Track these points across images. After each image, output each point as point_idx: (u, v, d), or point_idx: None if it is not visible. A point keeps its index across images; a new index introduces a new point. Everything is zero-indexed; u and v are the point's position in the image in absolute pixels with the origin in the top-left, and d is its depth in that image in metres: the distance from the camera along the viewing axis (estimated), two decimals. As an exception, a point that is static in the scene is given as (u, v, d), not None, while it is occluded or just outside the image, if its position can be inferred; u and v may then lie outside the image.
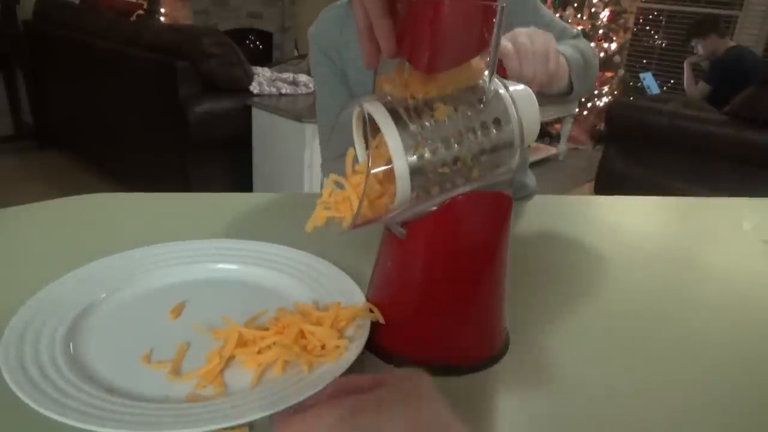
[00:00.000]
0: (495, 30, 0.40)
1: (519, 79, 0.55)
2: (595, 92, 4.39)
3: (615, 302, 0.61)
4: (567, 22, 1.07)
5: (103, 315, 0.51)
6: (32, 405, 0.38)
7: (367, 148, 0.46)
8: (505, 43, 0.62)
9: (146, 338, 0.48)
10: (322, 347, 0.46)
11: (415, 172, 0.40)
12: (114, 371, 0.44)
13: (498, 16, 0.40)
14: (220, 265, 0.60)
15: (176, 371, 0.44)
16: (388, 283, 0.51)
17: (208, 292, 0.56)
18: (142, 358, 0.45)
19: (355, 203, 0.41)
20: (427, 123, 0.41)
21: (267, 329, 0.47)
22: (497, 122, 0.43)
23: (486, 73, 0.43)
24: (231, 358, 0.45)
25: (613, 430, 0.44)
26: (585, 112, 4.45)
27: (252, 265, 0.60)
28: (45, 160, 3.29)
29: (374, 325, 0.49)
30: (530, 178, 1.04)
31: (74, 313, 0.50)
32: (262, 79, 2.55)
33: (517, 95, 0.45)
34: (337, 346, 0.45)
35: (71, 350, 0.46)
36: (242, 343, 0.46)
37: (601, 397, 0.47)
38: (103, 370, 0.44)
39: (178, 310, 0.52)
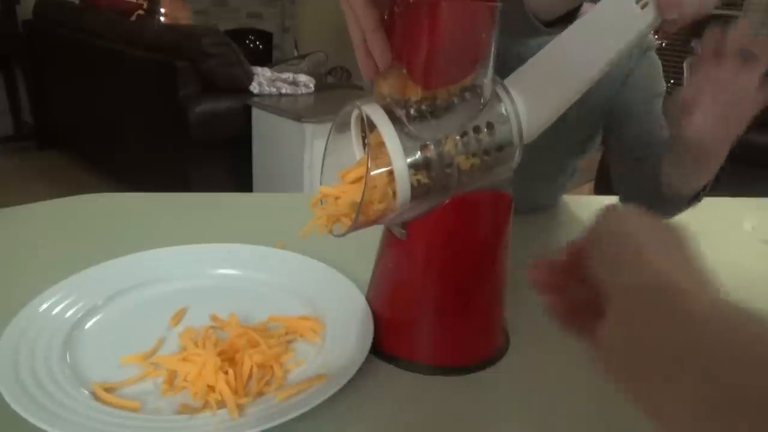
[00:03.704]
0: (493, 31, 0.40)
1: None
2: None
3: (615, 302, 0.61)
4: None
5: (101, 324, 0.51)
6: (29, 419, 0.37)
7: (365, 150, 0.46)
8: None
9: (145, 346, 0.48)
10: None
11: (415, 173, 0.40)
12: (109, 378, 0.43)
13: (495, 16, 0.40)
14: (221, 271, 0.60)
15: (171, 381, 0.44)
16: (388, 283, 0.51)
17: (207, 298, 0.56)
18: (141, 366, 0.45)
19: (354, 206, 0.41)
20: (425, 124, 0.40)
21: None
22: (496, 121, 0.43)
23: (484, 71, 0.43)
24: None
25: (614, 429, 0.44)
26: (585, 112, 4.44)
27: (252, 270, 0.60)
28: (45, 160, 3.28)
29: (375, 326, 0.49)
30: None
31: (70, 323, 0.49)
32: (262, 79, 2.55)
33: (516, 94, 0.44)
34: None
35: (68, 360, 0.45)
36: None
37: (601, 397, 0.47)
38: (98, 378, 0.43)
39: (177, 318, 0.52)
